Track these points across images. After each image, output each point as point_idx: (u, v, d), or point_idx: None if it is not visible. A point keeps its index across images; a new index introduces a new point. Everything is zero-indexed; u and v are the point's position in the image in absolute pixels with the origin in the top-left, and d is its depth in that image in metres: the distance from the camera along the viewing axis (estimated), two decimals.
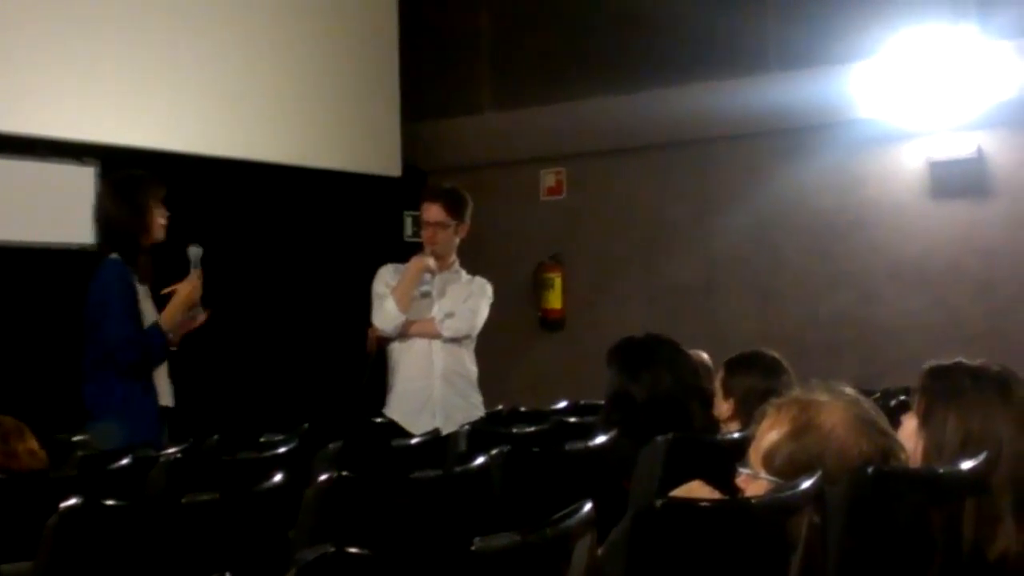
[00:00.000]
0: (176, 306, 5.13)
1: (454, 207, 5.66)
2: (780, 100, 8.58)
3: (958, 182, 8.17)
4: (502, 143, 9.77)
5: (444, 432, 5.20)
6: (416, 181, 9.91)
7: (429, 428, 5.23)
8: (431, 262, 5.64)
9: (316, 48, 8.81)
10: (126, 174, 5.41)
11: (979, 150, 8.10)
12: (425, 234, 5.69)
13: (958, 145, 8.16)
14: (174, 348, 5.19)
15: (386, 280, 5.72)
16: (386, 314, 5.65)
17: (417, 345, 5.67)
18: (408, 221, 9.92)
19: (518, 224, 9.79)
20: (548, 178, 9.77)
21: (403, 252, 7.04)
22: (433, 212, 5.65)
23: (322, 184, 8.95)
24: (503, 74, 9.92)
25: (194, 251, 5.24)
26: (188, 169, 7.90)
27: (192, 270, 5.21)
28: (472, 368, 5.80)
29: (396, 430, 5.31)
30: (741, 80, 8.79)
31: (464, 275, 5.84)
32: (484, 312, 5.79)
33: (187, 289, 5.16)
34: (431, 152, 9.95)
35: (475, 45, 10.05)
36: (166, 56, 7.78)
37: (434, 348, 5.66)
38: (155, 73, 7.70)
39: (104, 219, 5.17)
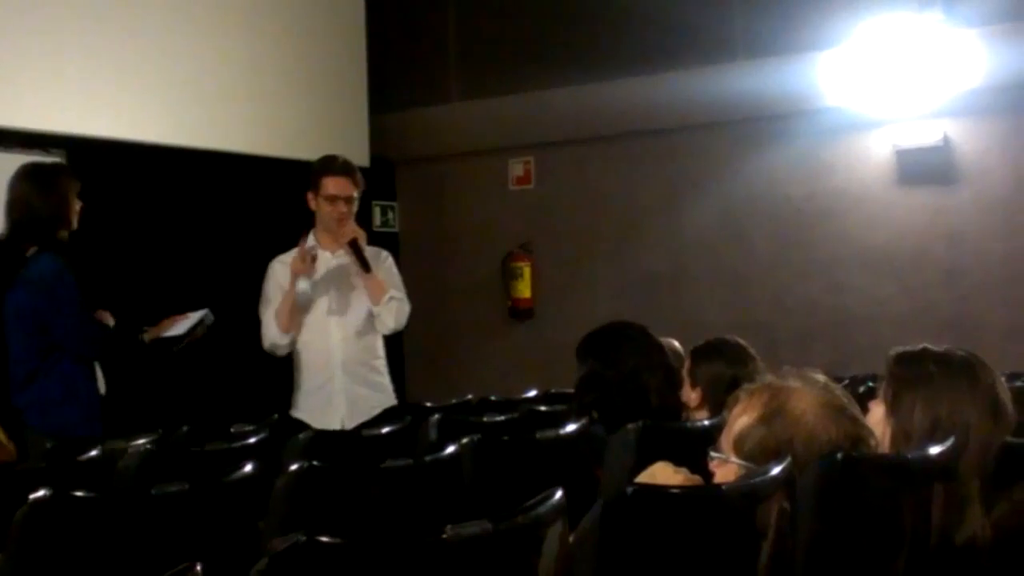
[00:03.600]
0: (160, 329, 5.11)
1: (360, 180, 5.45)
2: (747, 88, 8.59)
3: (924, 170, 8.22)
4: (470, 133, 9.75)
5: (350, 426, 5.11)
6: (385, 172, 9.89)
7: (336, 425, 5.16)
8: (309, 263, 5.39)
9: (284, 39, 8.77)
10: (44, 164, 5.30)
11: (945, 138, 8.15)
12: (338, 210, 5.38)
13: (924, 133, 8.21)
14: None
15: (278, 280, 5.49)
16: (270, 338, 5.44)
17: (316, 340, 5.39)
18: (377, 211, 9.90)
19: (487, 214, 9.79)
20: (516, 167, 9.77)
21: (373, 241, 6.99)
22: (348, 186, 5.39)
23: (291, 174, 8.87)
24: (470, 64, 9.90)
25: (208, 318, 5.27)
26: (155, 160, 7.86)
27: (195, 318, 5.21)
28: (381, 354, 5.49)
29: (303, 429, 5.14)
30: (708, 68, 8.80)
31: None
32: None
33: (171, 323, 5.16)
34: (399, 142, 9.93)
35: (442, 35, 10.02)
36: (134, 47, 7.73)
37: (333, 340, 5.37)
38: (123, 64, 7.65)
39: (24, 211, 4.81)
